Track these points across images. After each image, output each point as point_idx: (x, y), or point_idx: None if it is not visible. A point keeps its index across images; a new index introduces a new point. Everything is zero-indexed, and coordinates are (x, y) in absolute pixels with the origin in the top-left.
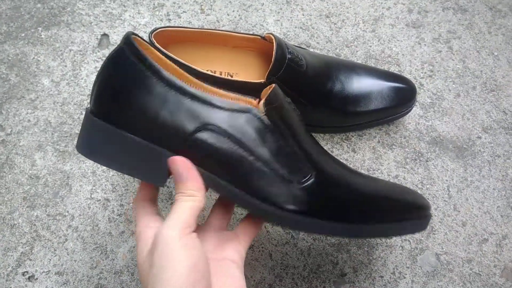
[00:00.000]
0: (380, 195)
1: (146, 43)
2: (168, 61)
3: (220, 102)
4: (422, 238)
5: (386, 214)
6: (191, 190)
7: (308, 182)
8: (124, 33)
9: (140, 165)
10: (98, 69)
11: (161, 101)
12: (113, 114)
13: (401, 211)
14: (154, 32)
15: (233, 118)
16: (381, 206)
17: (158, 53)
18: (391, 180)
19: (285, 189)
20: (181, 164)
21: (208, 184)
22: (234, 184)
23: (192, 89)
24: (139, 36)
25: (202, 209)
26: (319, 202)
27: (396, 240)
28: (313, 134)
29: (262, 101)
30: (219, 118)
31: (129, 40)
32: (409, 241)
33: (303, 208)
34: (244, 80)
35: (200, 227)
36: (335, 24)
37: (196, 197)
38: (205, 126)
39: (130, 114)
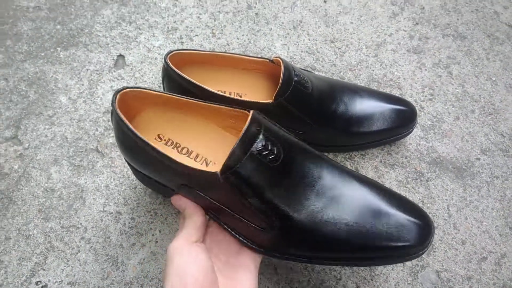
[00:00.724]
0: (353, 243)
1: (138, 90)
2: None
3: (187, 170)
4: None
5: (353, 258)
6: (189, 212)
7: (273, 231)
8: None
9: (164, 192)
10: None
11: (151, 162)
12: (129, 161)
13: (374, 257)
14: (170, 55)
15: (202, 180)
16: (348, 252)
17: (148, 93)
18: None
19: (258, 233)
20: (176, 200)
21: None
22: (222, 221)
23: (166, 155)
24: (130, 87)
25: (204, 224)
26: (284, 244)
27: None
28: None
29: (219, 170)
30: (191, 181)
31: (114, 108)
32: None
33: (273, 247)
34: (252, 100)
35: (223, 232)
36: (339, 48)
37: (194, 216)
38: (185, 184)
39: (137, 164)
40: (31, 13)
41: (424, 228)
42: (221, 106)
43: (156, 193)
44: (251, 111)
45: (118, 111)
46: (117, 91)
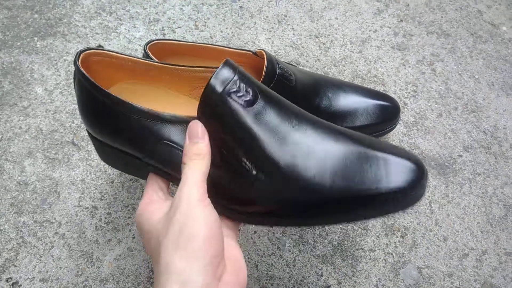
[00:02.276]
0: (337, 189)
1: (99, 51)
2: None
3: (170, 117)
4: (405, 252)
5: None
6: (202, 152)
7: (253, 178)
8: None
9: (128, 166)
10: None
11: (125, 123)
12: (96, 134)
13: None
14: (149, 44)
15: (178, 130)
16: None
17: (114, 55)
18: None
19: (239, 184)
20: (200, 128)
21: None
22: None
23: (146, 109)
24: (91, 48)
25: (207, 175)
26: (264, 197)
27: (379, 253)
28: None
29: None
30: (171, 133)
31: (77, 68)
32: (392, 254)
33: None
34: None
35: None
36: (324, 44)
37: (204, 161)
38: (161, 141)
39: (105, 135)
40: (7, 1)
41: (416, 170)
42: (193, 69)
43: (134, 188)
44: (226, 58)
45: (82, 69)
46: (81, 51)
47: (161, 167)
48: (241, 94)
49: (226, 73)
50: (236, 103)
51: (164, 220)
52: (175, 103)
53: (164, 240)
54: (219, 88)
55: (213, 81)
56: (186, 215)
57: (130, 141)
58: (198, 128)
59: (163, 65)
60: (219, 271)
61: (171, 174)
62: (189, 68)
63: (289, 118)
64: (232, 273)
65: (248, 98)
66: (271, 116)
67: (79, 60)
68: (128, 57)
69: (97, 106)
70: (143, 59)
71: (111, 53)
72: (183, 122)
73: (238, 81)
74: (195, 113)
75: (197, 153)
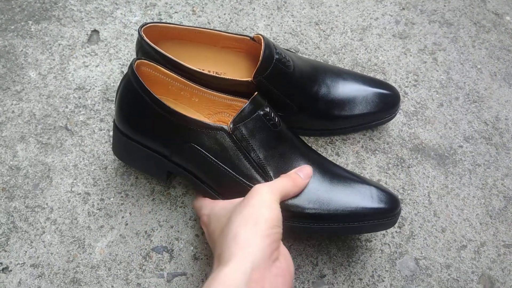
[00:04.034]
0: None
1: (151, 63)
2: (166, 77)
3: (194, 125)
4: (402, 243)
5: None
6: (299, 184)
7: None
8: (132, 61)
9: (148, 166)
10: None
11: (157, 122)
12: (127, 129)
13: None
14: (144, 27)
15: (206, 136)
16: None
17: (161, 70)
18: None
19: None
20: (311, 171)
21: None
22: (208, 186)
23: (177, 112)
24: (145, 59)
25: (289, 197)
26: None
27: (376, 244)
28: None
29: (230, 120)
30: (195, 137)
31: (132, 71)
32: (388, 245)
33: None
34: (231, 78)
35: None
36: (324, 31)
37: (295, 188)
38: (186, 143)
39: (137, 130)
40: None
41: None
42: (220, 95)
43: (127, 174)
44: (255, 93)
45: (136, 73)
46: (136, 58)
47: (185, 165)
48: (269, 117)
49: (259, 99)
50: (266, 124)
51: (237, 205)
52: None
53: (237, 217)
54: (253, 111)
55: None
56: (255, 207)
57: (160, 138)
58: (309, 171)
59: (196, 86)
60: (274, 255)
61: (194, 172)
62: (219, 94)
63: (298, 145)
64: (284, 262)
65: (273, 122)
66: (288, 141)
67: (135, 65)
68: (173, 75)
69: (139, 105)
70: (183, 79)
71: (162, 69)
72: (208, 128)
73: (268, 108)
74: None
75: (296, 184)
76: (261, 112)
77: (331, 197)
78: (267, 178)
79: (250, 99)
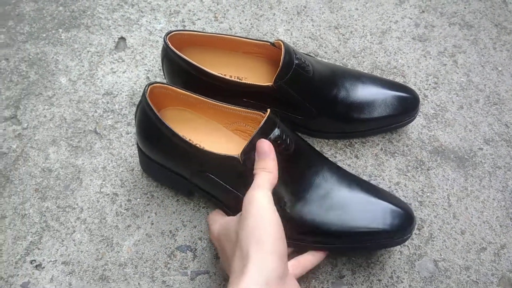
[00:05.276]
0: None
1: (163, 85)
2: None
3: (208, 157)
4: (421, 244)
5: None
6: (270, 167)
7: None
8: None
9: (171, 183)
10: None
11: (174, 149)
12: (147, 151)
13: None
14: (169, 35)
15: (220, 164)
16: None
17: (175, 90)
18: (393, 187)
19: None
20: (267, 145)
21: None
22: (226, 206)
23: (193, 145)
24: (156, 82)
25: (274, 185)
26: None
27: None
28: (317, 139)
29: (240, 151)
30: (208, 167)
31: (145, 98)
32: (407, 246)
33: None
34: (252, 83)
35: None
36: (343, 35)
37: (272, 173)
38: (202, 172)
39: (155, 153)
40: None
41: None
42: (235, 108)
43: None
44: (268, 110)
45: (149, 101)
46: (149, 84)
47: (204, 188)
48: (280, 141)
49: (270, 122)
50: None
51: (238, 220)
52: (213, 133)
53: (243, 232)
54: (264, 137)
55: None
56: (256, 216)
57: (178, 162)
58: (265, 146)
59: (209, 101)
60: (286, 270)
61: (214, 195)
62: (233, 107)
63: (313, 167)
64: (293, 280)
65: (284, 146)
66: (301, 164)
67: (147, 92)
68: (186, 92)
69: (155, 132)
70: (196, 95)
71: (175, 89)
72: (220, 159)
73: (279, 131)
74: (230, 143)
75: (264, 167)
76: (271, 137)
77: (342, 217)
78: (282, 205)
79: (261, 125)
